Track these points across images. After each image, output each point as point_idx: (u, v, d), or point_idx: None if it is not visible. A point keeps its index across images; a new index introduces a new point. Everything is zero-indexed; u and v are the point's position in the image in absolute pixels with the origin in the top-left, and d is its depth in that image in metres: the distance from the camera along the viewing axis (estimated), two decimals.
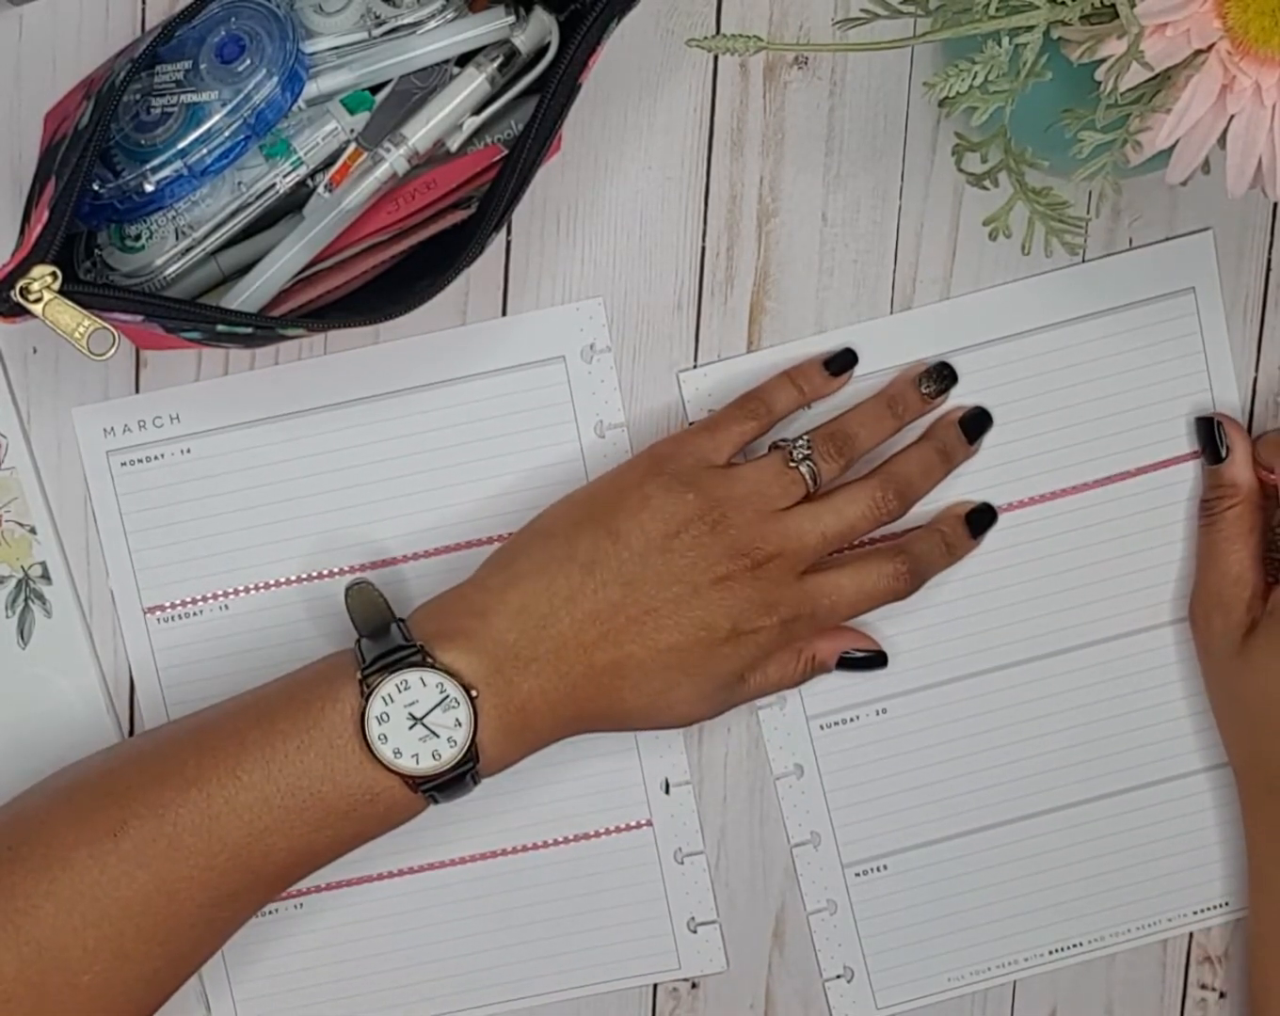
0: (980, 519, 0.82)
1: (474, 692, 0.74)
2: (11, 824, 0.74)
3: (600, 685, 0.75)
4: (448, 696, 0.73)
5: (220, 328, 0.70)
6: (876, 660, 0.82)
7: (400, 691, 0.73)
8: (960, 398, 0.82)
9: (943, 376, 0.81)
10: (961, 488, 0.82)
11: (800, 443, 0.78)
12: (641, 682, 0.75)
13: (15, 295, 0.67)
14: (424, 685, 0.73)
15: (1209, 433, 0.81)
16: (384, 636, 0.75)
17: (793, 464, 0.77)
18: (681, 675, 0.76)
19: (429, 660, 0.74)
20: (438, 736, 0.73)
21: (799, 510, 0.77)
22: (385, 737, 0.73)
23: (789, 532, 0.77)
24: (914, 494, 0.80)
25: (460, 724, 0.73)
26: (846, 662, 0.81)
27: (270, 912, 0.81)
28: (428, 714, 0.73)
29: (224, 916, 0.74)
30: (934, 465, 0.81)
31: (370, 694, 0.73)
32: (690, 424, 0.81)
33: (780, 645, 0.78)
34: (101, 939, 0.72)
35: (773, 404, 0.79)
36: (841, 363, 0.81)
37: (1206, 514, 0.82)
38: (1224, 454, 0.81)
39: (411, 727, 0.73)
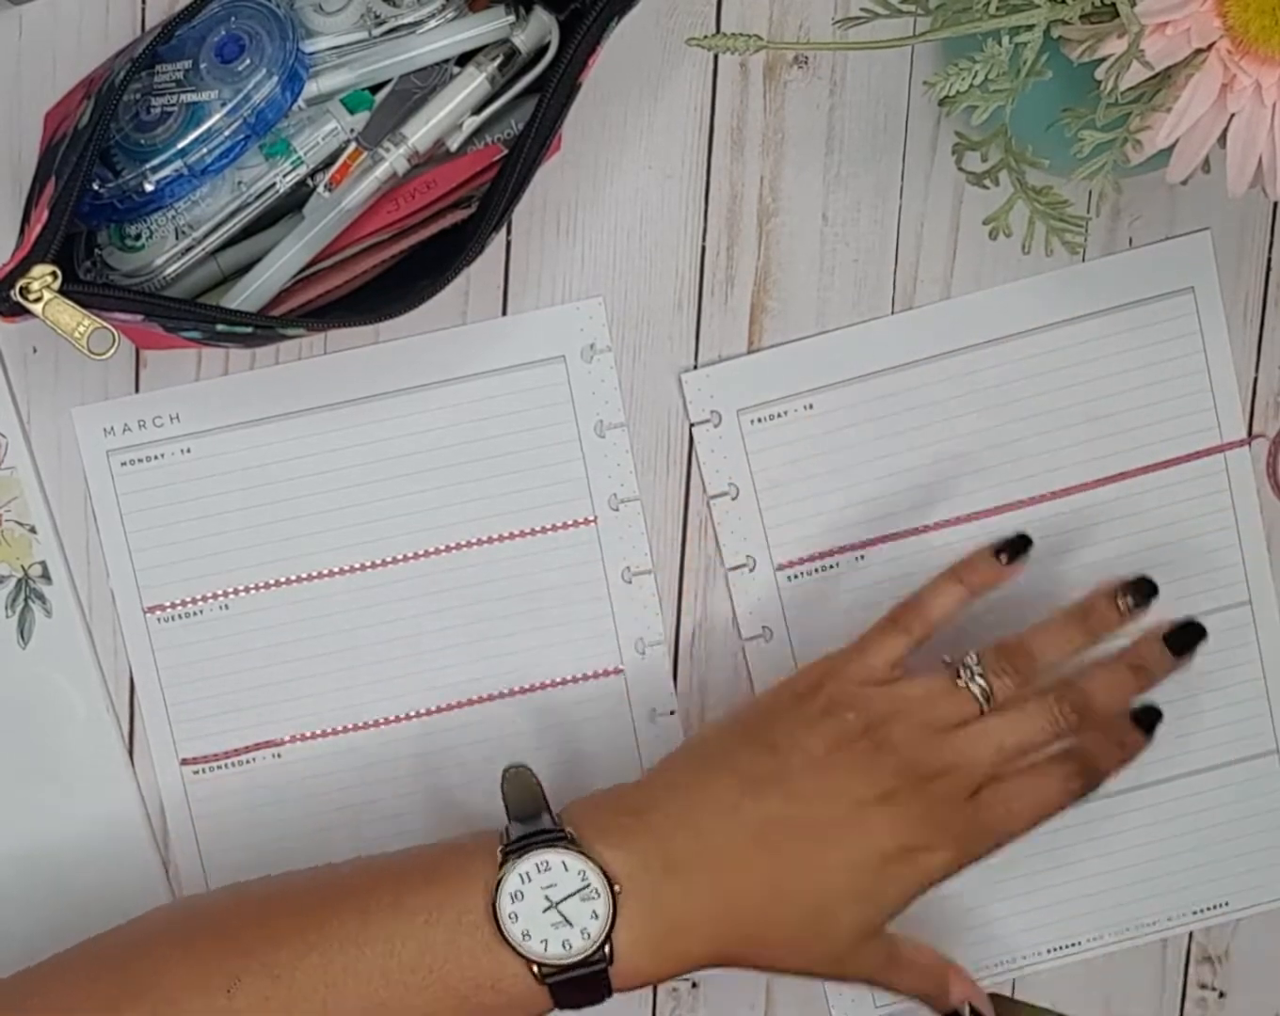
0: (1148, 717, 0.76)
1: (616, 887, 0.70)
2: (126, 959, 0.70)
3: (755, 904, 0.71)
4: (588, 884, 0.69)
5: (220, 327, 0.70)
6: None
7: (540, 871, 0.69)
8: (960, 398, 0.81)
9: (1143, 590, 0.76)
10: (966, 486, 0.82)
11: (970, 659, 0.74)
12: (798, 902, 0.72)
13: (15, 294, 0.67)
14: (565, 869, 0.70)
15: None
16: (534, 820, 0.72)
17: (961, 682, 0.74)
18: (845, 898, 0.72)
19: (574, 844, 0.70)
20: (571, 925, 0.69)
21: (972, 727, 0.73)
22: (516, 916, 0.69)
23: (960, 750, 0.73)
24: (1096, 711, 0.75)
25: (597, 916, 0.69)
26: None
27: None
28: (564, 899, 0.69)
29: None
30: (1125, 683, 0.75)
31: (506, 869, 0.70)
32: (840, 653, 0.76)
33: (959, 868, 0.73)
34: None
35: (928, 611, 0.76)
36: (1015, 548, 0.77)
37: None
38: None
39: (545, 910, 0.69)
